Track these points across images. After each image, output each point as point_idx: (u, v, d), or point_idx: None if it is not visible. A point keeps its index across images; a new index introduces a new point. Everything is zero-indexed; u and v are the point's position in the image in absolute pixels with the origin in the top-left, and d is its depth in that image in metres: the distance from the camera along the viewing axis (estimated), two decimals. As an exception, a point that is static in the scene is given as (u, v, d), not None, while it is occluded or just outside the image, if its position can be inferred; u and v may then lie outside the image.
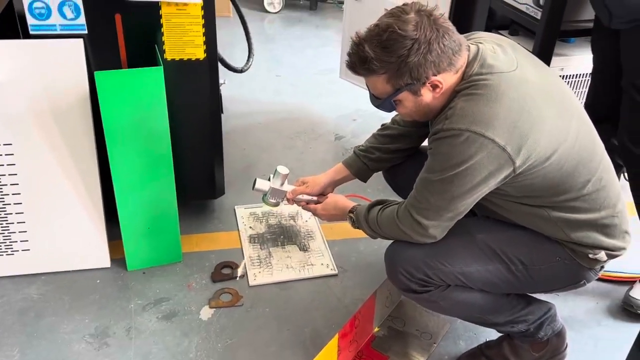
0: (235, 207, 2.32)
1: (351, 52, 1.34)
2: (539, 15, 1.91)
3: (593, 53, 1.94)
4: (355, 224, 1.65)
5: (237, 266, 2.00)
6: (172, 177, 1.85)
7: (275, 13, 4.58)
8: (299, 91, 3.36)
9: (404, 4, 1.32)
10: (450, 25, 1.31)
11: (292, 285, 1.96)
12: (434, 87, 1.32)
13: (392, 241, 1.54)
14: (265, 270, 2.00)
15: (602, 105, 1.92)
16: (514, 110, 1.27)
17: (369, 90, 1.42)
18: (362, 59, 1.31)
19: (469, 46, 1.35)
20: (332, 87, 3.34)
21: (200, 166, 2.08)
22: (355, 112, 3.13)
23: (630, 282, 1.96)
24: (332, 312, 1.86)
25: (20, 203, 1.85)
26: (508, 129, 1.26)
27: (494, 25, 2.29)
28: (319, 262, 2.06)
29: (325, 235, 2.18)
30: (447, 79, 1.32)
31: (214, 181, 2.15)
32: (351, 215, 1.65)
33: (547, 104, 1.33)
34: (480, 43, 1.38)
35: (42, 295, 1.86)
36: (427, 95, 1.35)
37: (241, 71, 2.75)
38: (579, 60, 2.12)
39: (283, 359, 1.69)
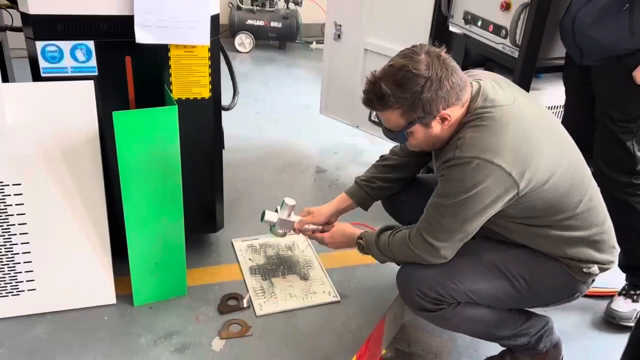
0: (233, 240, 2.38)
1: (367, 90, 1.46)
2: (516, 54, 2.09)
3: (565, 87, 2.14)
4: (364, 250, 1.75)
5: (242, 297, 2.05)
6: (181, 214, 1.90)
7: (246, 53, 4.72)
8: (280, 127, 3.47)
9: (413, 46, 1.45)
10: (455, 64, 1.45)
11: (298, 313, 2.02)
12: (443, 120, 1.45)
13: (400, 266, 1.66)
14: (270, 300, 2.06)
15: (576, 135, 2.10)
16: (517, 139, 1.42)
17: (381, 124, 1.54)
18: (378, 95, 1.43)
19: (471, 83, 1.49)
20: (311, 123, 3.46)
21: (202, 201, 2.14)
22: (336, 146, 3.26)
23: (609, 296, 2.12)
24: (340, 337, 1.93)
25: (28, 242, 1.86)
26: (513, 156, 1.40)
27: (469, 62, 2.47)
28: (321, 290, 2.13)
29: (323, 264, 2.26)
30: (455, 112, 1.45)
31: (214, 215, 2.21)
32: (360, 241, 1.75)
33: (543, 133, 1.48)
34: (480, 80, 1.53)
35: (49, 335, 1.85)
36: (436, 128, 1.47)
37: (228, 109, 2.83)
38: (549, 94, 2.32)
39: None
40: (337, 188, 2.81)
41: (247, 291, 2.09)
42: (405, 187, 1.92)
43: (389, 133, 1.53)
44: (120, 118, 1.67)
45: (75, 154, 1.82)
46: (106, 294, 1.98)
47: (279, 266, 2.24)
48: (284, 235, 1.99)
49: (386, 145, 3.07)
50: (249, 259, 2.27)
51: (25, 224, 1.84)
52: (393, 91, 1.41)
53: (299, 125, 3.50)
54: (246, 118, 3.52)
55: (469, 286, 1.55)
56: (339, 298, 2.10)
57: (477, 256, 1.59)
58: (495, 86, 1.52)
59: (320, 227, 1.96)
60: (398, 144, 1.87)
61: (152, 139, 1.75)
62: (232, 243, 2.36)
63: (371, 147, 3.23)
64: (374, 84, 1.44)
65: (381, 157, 1.95)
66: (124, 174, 1.75)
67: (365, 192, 1.91)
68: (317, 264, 2.27)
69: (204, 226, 2.23)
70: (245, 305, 2.02)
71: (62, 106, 1.77)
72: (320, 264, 2.27)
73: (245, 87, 3.94)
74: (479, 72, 1.62)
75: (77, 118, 1.79)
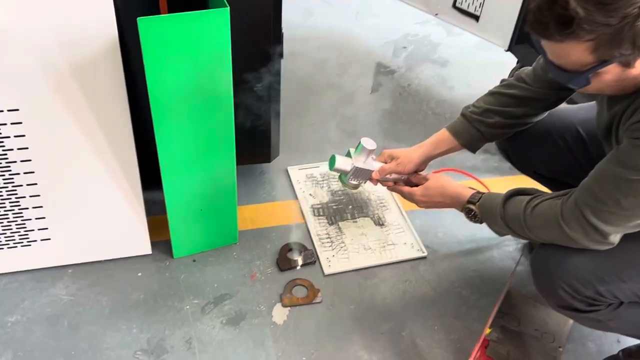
0: (288, 167, 1.93)
1: (542, 6, 0.91)
2: None
3: None
4: (477, 219, 1.30)
5: (305, 249, 1.65)
6: (232, 148, 1.44)
7: None
8: (332, 10, 2.86)
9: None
10: None
11: (375, 272, 1.63)
12: (652, 57, 0.92)
13: (538, 248, 1.21)
14: (339, 253, 1.66)
15: None
16: None
17: (547, 58, 1.00)
18: (563, 18, 0.89)
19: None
20: (370, 5, 2.83)
21: (255, 125, 1.66)
22: (404, 38, 2.67)
23: None
24: (429, 308, 1.54)
25: (35, 184, 1.43)
26: None
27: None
28: (401, 240, 1.72)
29: (401, 204, 1.83)
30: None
31: (269, 141, 1.74)
32: (471, 207, 1.30)
33: None
34: None
35: (72, 297, 1.49)
36: (638, 67, 0.95)
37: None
38: None
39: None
40: (409, 96, 2.30)
41: (312, 241, 1.69)
42: (533, 125, 1.42)
43: (562, 74, 1.00)
44: (148, 26, 1.16)
45: (90, 68, 1.31)
46: (139, 242, 1.59)
47: (347, 206, 1.81)
48: (357, 187, 1.52)
49: (468, 37, 2.46)
50: (310, 195, 1.84)
51: (30, 160, 1.40)
52: (589, 13, 0.87)
53: (356, 8, 2.87)
54: (292, -2, 2.91)
55: (642, 284, 1.12)
56: (425, 252, 1.69)
57: (655, 243, 1.13)
58: None
59: (405, 177, 1.49)
60: (522, 65, 1.35)
61: (195, 53, 1.24)
62: (287, 171, 1.92)
63: (448, 39, 2.65)
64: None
65: (503, 81, 1.42)
66: (155, 101, 1.27)
67: (476, 130, 1.41)
68: (394, 204, 1.84)
69: (257, 155, 1.77)
70: (300, 263, 1.62)
71: (70, 5, 1.24)
72: (398, 204, 1.83)
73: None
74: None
75: (90, 21, 1.26)
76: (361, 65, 2.47)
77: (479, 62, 2.52)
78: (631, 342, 1.44)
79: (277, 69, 1.61)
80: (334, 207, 1.80)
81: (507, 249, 1.72)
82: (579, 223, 1.08)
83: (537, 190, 1.22)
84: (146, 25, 1.15)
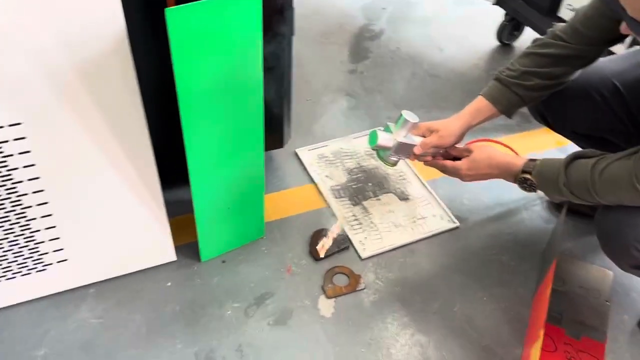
0: (297, 150, 1.83)
1: None
2: None
3: None
4: (534, 187, 1.26)
5: (336, 234, 1.58)
6: (261, 139, 1.34)
7: None
8: (302, -23, 2.72)
9: None
10: None
11: (412, 249, 1.58)
12: None
13: (603, 209, 1.19)
14: (371, 234, 1.60)
15: None
16: None
17: (627, 15, 0.95)
18: None
19: None
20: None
21: (269, 109, 1.55)
22: (380, -2, 2.58)
23: None
24: (474, 279, 1.52)
25: (46, 202, 1.28)
26: None
27: None
28: (430, 213, 1.67)
29: (420, 174, 1.78)
30: None
31: (281, 126, 1.64)
32: (527, 176, 1.25)
33: None
34: None
35: (101, 319, 1.37)
36: None
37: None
38: None
39: (458, 356, 1.35)
40: (401, 61, 2.22)
41: (340, 224, 1.62)
42: (567, 83, 1.38)
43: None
44: (176, 16, 1.02)
45: (99, 69, 1.16)
46: (163, 249, 1.47)
47: (366, 183, 1.74)
48: (395, 163, 1.44)
49: None
50: (326, 176, 1.76)
51: (38, 177, 1.25)
52: None
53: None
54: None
55: None
56: (457, 222, 1.65)
57: None
58: None
59: (443, 150, 1.43)
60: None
61: (225, 44, 1.11)
62: (296, 154, 1.83)
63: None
64: None
65: (536, 41, 1.37)
66: (184, 98, 1.14)
67: (515, 95, 1.36)
68: (413, 175, 1.78)
69: (270, 142, 1.65)
70: (342, 245, 1.55)
71: (74, 2, 1.08)
72: (418, 175, 1.78)
73: None
74: None
75: (95, 16, 1.11)
76: (344, 31, 2.37)
77: (461, 18, 2.46)
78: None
79: (289, 46, 1.50)
80: (354, 186, 1.73)
81: (535, 209, 1.71)
82: (656, 183, 1.06)
83: (594, 152, 1.19)
84: (174, 15, 1.02)
